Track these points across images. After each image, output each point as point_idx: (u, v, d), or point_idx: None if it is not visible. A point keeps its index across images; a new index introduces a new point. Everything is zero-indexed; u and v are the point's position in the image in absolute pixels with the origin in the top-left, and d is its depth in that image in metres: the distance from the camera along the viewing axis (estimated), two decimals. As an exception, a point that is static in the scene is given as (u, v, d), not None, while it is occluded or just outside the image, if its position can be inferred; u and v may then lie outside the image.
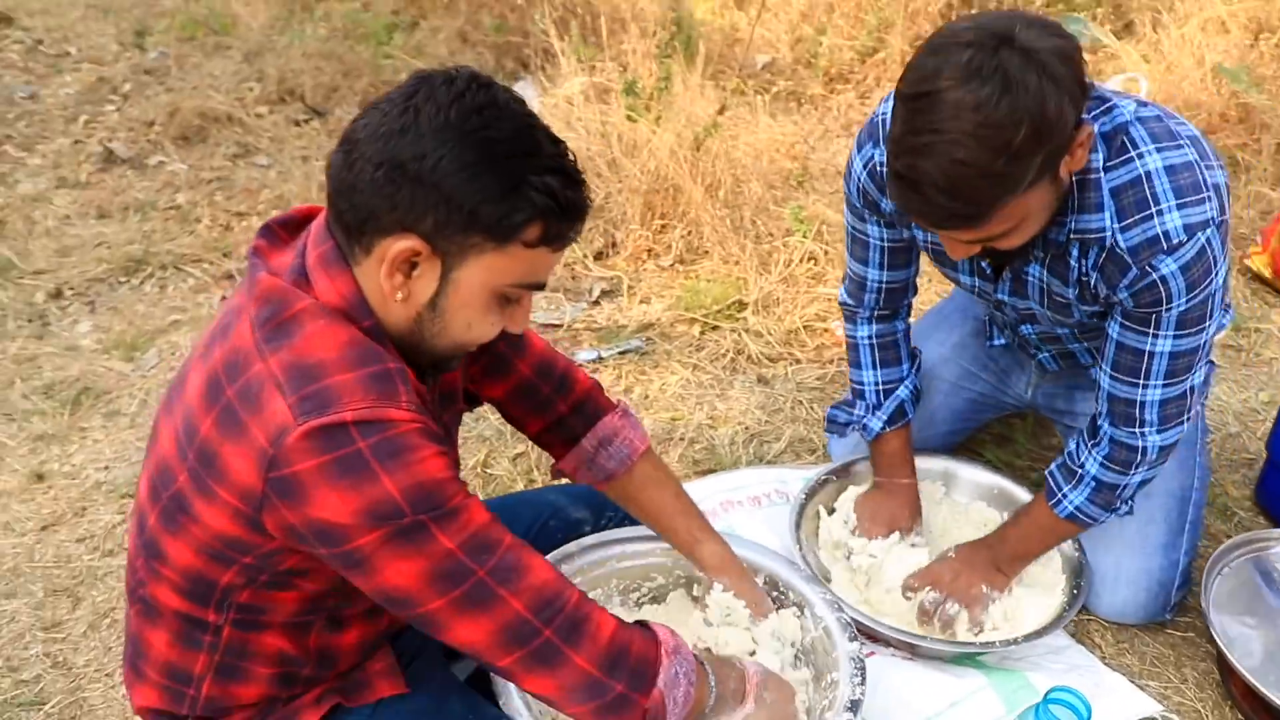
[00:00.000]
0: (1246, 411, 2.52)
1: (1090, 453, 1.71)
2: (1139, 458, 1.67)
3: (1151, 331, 1.56)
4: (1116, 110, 1.51)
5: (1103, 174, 1.50)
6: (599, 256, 3.14)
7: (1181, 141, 1.52)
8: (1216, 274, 1.51)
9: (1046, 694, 1.41)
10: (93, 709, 1.70)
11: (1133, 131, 1.51)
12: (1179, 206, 1.48)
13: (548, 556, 1.61)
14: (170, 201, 3.54)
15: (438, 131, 1.09)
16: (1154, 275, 1.50)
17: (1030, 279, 1.69)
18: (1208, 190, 1.49)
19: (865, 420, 1.98)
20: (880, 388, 1.98)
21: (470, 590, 1.15)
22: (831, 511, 2.02)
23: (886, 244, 1.85)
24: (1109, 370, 1.64)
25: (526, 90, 4.13)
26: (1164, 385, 1.61)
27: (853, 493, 2.02)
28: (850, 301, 1.97)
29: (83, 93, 4.23)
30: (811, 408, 2.49)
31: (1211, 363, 1.86)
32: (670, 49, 3.45)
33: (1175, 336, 1.56)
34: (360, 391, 1.09)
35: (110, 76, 4.33)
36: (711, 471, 2.28)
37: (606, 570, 1.71)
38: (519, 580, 1.18)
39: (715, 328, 2.80)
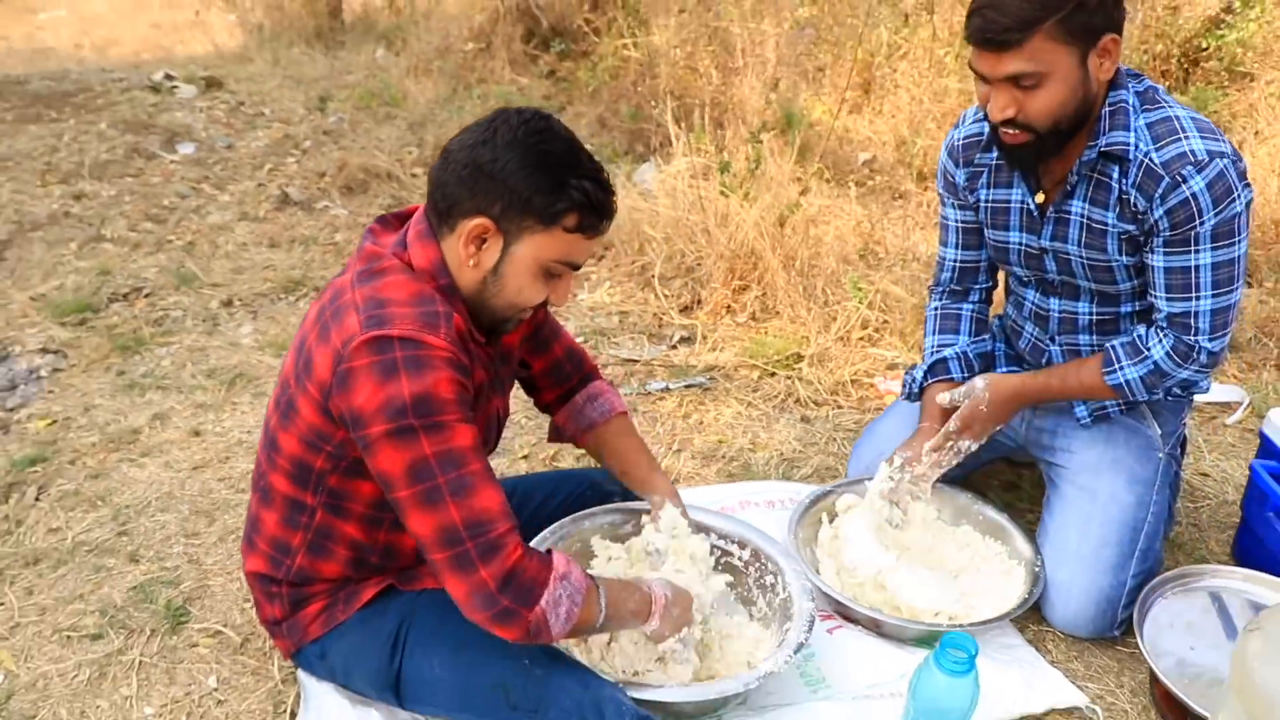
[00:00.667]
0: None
1: (1160, 341, 2.01)
2: (1195, 354, 1.98)
3: (1193, 249, 1.90)
4: (1145, 80, 1.95)
5: (1134, 111, 1.91)
6: (684, 310, 3.56)
7: (1200, 119, 1.91)
8: (1237, 198, 1.85)
9: (942, 637, 1.69)
10: (212, 593, 2.16)
11: (1161, 94, 1.94)
12: (1201, 137, 1.86)
13: (582, 512, 2.04)
14: (329, 239, 4.13)
15: (508, 144, 1.53)
16: (1185, 190, 1.85)
17: (1072, 215, 2.03)
18: (1222, 138, 1.88)
19: (915, 373, 2.36)
20: (934, 348, 2.36)
21: (428, 490, 1.49)
22: (833, 518, 2.33)
23: (960, 224, 2.28)
24: (1164, 295, 1.97)
25: (649, 170, 4.63)
26: (1214, 295, 1.93)
27: (849, 500, 2.33)
28: (932, 282, 2.41)
29: (270, 146, 4.95)
30: (843, 444, 2.82)
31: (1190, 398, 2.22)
32: (759, 137, 3.88)
33: (1213, 249, 1.89)
34: (410, 319, 1.50)
35: (294, 134, 5.05)
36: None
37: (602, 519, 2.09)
38: (465, 498, 1.50)
39: (773, 374, 3.16)
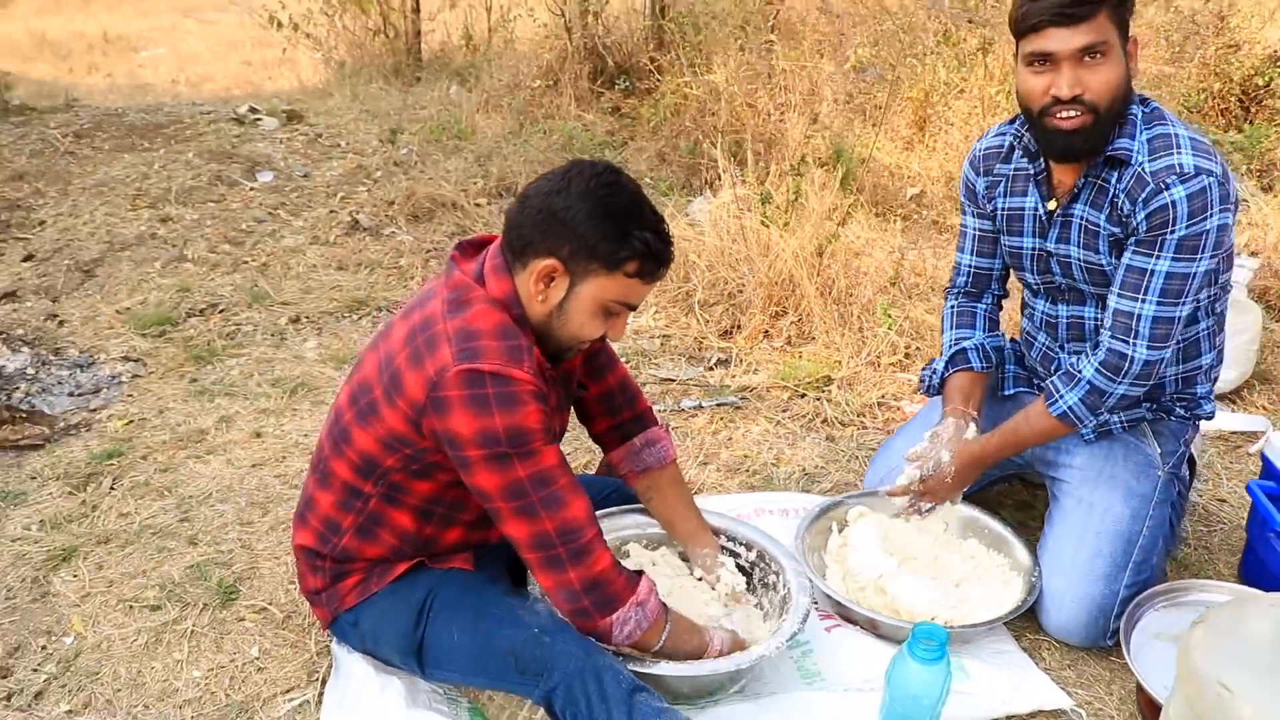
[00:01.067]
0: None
1: (1089, 359, 2.12)
2: (1127, 366, 2.07)
3: (1155, 253, 2.01)
4: (1154, 102, 2.08)
5: (1140, 123, 2.05)
6: (724, 334, 3.70)
7: (1201, 138, 2.03)
8: (1211, 215, 1.96)
9: (915, 628, 1.79)
10: (260, 575, 2.35)
11: (1167, 116, 2.06)
12: (1193, 153, 1.99)
13: (615, 509, 2.23)
14: (394, 263, 4.37)
15: (580, 194, 1.72)
16: (1166, 195, 1.97)
17: (1075, 217, 2.16)
18: (1217, 159, 1.99)
19: (936, 365, 2.48)
20: (953, 342, 2.49)
21: (524, 505, 1.71)
22: (843, 527, 2.45)
23: (977, 232, 2.43)
24: (1116, 290, 2.08)
25: (702, 204, 4.80)
26: (1158, 303, 2.03)
27: (861, 509, 2.44)
28: (948, 286, 2.55)
29: (344, 175, 5.23)
30: (864, 462, 2.92)
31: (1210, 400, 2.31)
32: (800, 170, 4.03)
33: (1172, 259, 2.00)
34: (499, 353, 1.69)
35: (367, 165, 5.33)
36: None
37: (632, 524, 2.25)
38: (557, 511, 1.73)
39: (803, 395, 3.29)
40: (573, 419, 2.14)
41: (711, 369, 3.50)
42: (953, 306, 2.52)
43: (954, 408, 2.40)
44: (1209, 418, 2.35)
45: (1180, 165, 1.97)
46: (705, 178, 4.95)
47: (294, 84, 7.75)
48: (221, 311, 3.87)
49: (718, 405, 3.22)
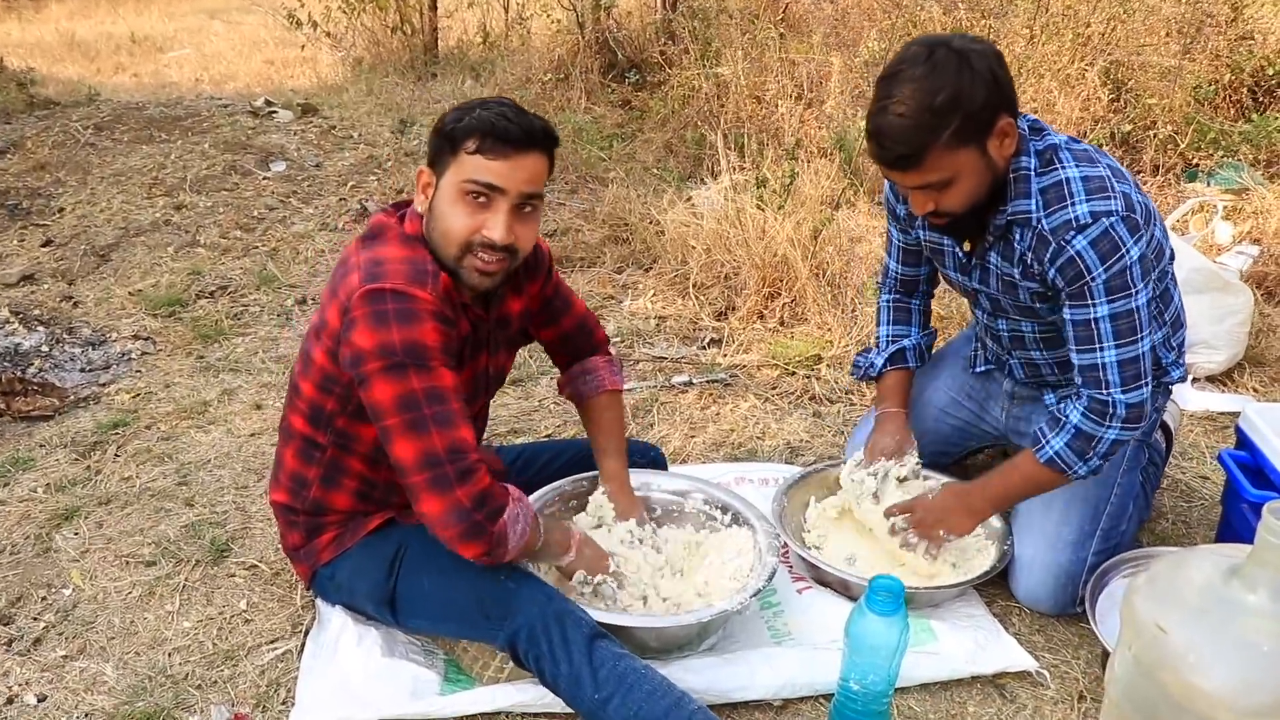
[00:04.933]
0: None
1: (1074, 405, 2.10)
2: (1111, 410, 2.05)
3: (1089, 302, 2.00)
4: (1049, 136, 2.04)
5: (1033, 176, 2.02)
6: (719, 315, 3.76)
7: (1098, 163, 2.01)
8: (1126, 252, 1.94)
9: (872, 580, 1.85)
10: (252, 535, 2.44)
11: (1060, 152, 2.02)
12: (1087, 200, 1.96)
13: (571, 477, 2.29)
14: (401, 248, 4.45)
15: (453, 108, 1.81)
16: (1070, 251, 1.96)
17: (991, 265, 2.17)
18: (1114, 193, 1.97)
19: (874, 359, 2.53)
20: (890, 338, 2.53)
21: (415, 418, 1.72)
22: (822, 496, 2.49)
23: (902, 245, 2.44)
24: (1073, 347, 2.06)
25: (707, 191, 4.86)
26: (1116, 347, 2.00)
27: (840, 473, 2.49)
28: (880, 280, 2.59)
29: (355, 165, 5.34)
30: (848, 436, 2.97)
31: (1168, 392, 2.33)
32: (794, 154, 4.08)
33: (1108, 302, 1.98)
34: (401, 274, 1.75)
35: (378, 155, 5.43)
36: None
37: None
38: (447, 429, 1.73)
39: (792, 373, 3.34)
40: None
41: (704, 348, 3.56)
42: (888, 301, 2.56)
43: (888, 407, 2.47)
44: (1179, 382, 2.36)
45: (1076, 218, 1.95)
46: (709, 167, 5.01)
47: (313, 81, 7.88)
48: (230, 293, 3.97)
49: (708, 382, 3.28)
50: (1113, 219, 1.94)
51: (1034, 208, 2.01)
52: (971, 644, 2.11)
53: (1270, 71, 5.58)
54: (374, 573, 1.97)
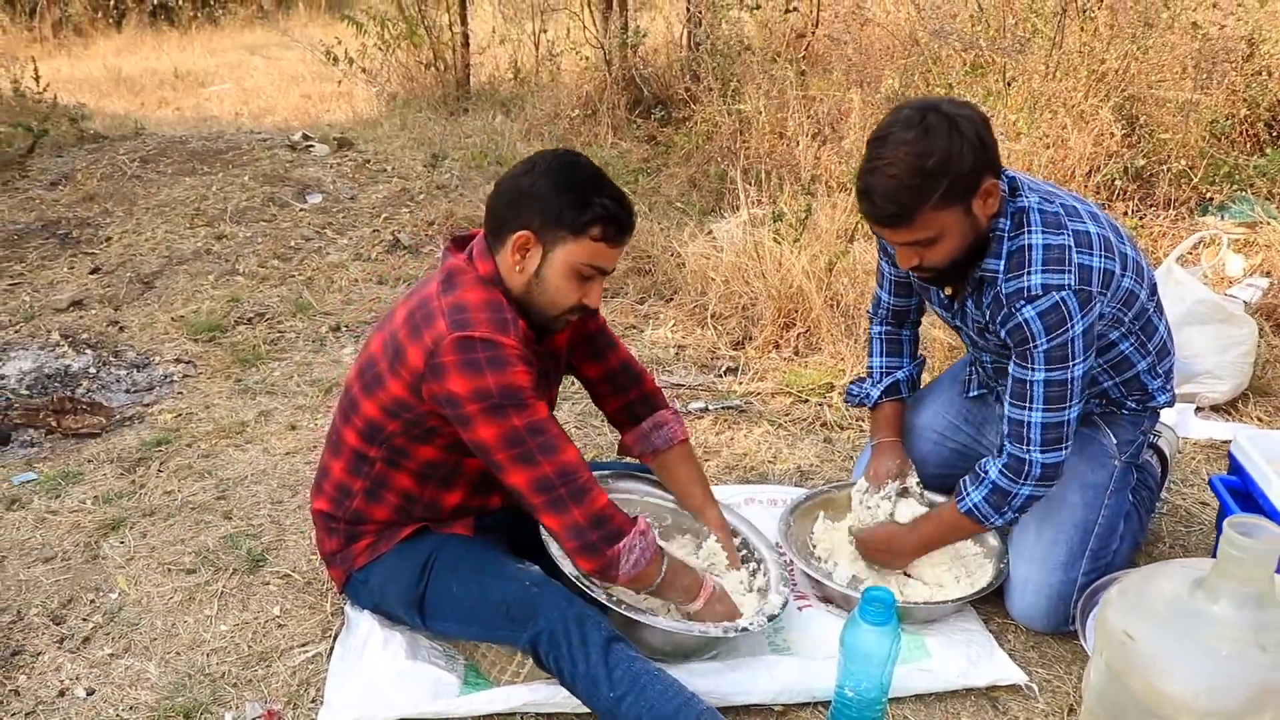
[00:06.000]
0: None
1: (994, 462, 2.24)
2: (1027, 468, 2.17)
3: (1030, 365, 2.12)
4: (1022, 198, 2.14)
5: (1005, 238, 2.13)
6: (736, 345, 3.89)
7: (1064, 231, 2.11)
8: (1072, 325, 2.06)
9: (865, 591, 1.95)
10: (286, 546, 2.59)
11: (1030, 215, 2.13)
12: (1042, 270, 2.07)
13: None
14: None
15: (544, 173, 1.95)
16: (1019, 318, 2.08)
17: (969, 310, 2.29)
18: (1069, 265, 2.07)
19: (869, 391, 2.63)
20: (883, 369, 2.64)
21: (522, 452, 1.90)
22: (834, 512, 2.61)
23: (894, 278, 2.56)
24: (1008, 398, 2.19)
25: (728, 225, 5.00)
26: (1043, 410, 2.13)
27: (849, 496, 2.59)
28: (871, 311, 2.68)
29: (389, 198, 5.52)
30: (859, 458, 3.08)
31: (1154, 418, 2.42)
32: (811, 189, 4.21)
33: (1045, 369, 2.10)
34: (487, 323, 1.90)
35: (410, 188, 5.62)
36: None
37: (637, 497, 2.44)
38: (554, 456, 1.92)
39: (805, 401, 3.46)
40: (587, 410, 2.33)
41: (721, 376, 3.68)
42: (880, 333, 2.66)
43: (883, 438, 2.59)
44: (1166, 406, 2.44)
45: (1028, 288, 2.05)
46: (729, 201, 5.15)
47: (349, 115, 8.12)
48: (267, 320, 4.15)
49: (723, 408, 3.41)
50: (1064, 293, 2.05)
51: (1000, 270, 2.13)
52: (964, 660, 2.20)
53: (1287, 106, 5.66)
54: (406, 576, 2.10)
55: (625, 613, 1.99)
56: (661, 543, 2.17)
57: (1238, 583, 1.53)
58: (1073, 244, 2.10)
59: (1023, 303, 2.07)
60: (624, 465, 2.55)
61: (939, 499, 2.56)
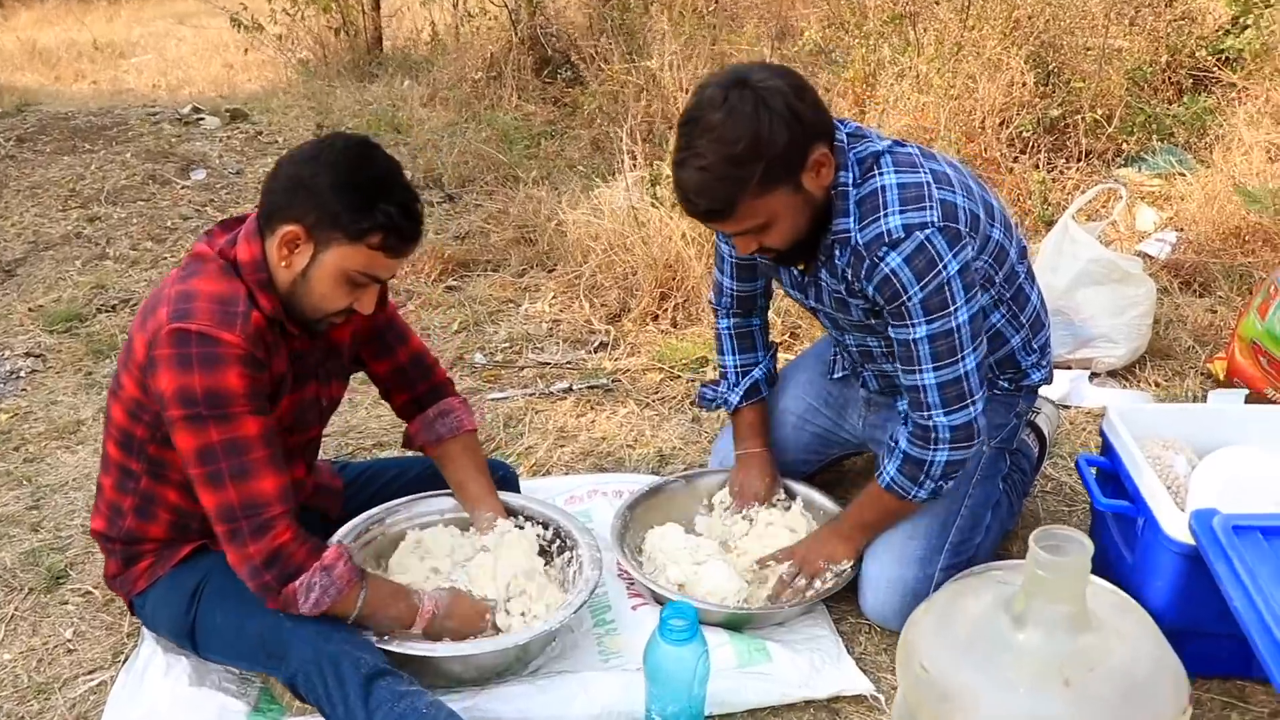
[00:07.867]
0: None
1: (903, 430, 2.07)
2: (934, 434, 2.00)
3: (908, 322, 1.93)
4: (870, 142, 1.97)
5: (851, 189, 1.95)
6: (613, 318, 3.73)
7: (919, 169, 1.94)
8: (944, 266, 1.88)
9: (666, 606, 1.81)
10: (94, 560, 2.41)
11: (881, 160, 1.95)
12: (900, 211, 1.89)
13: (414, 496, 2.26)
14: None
15: (329, 164, 1.76)
16: (884, 268, 1.89)
17: (822, 283, 2.10)
18: (931, 201, 1.89)
19: (727, 395, 2.44)
20: (739, 369, 2.45)
21: (212, 472, 1.74)
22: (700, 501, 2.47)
23: (735, 261, 2.34)
24: (898, 365, 2.02)
25: (615, 190, 4.80)
26: (934, 369, 1.95)
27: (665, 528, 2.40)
28: (714, 301, 2.47)
29: (277, 171, 5.31)
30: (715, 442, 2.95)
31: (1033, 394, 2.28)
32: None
33: (926, 322, 1.91)
34: (210, 315, 1.73)
35: (300, 160, 5.40)
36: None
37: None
38: (244, 482, 1.74)
39: (677, 377, 3.32)
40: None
41: (594, 352, 3.53)
42: (728, 327, 2.46)
43: (750, 449, 2.41)
44: (1043, 384, 2.32)
45: (888, 231, 1.87)
46: (620, 164, 4.97)
47: (266, 84, 7.84)
48: (132, 307, 3.95)
49: (587, 388, 3.26)
50: (928, 230, 1.87)
51: (852, 224, 1.94)
52: (807, 666, 2.05)
53: (1206, 52, 5.52)
54: (176, 604, 1.95)
55: (396, 649, 1.86)
56: (381, 573, 2.05)
57: (1046, 603, 1.36)
58: (931, 180, 1.93)
59: (885, 249, 1.88)
60: None
61: (801, 490, 2.45)
